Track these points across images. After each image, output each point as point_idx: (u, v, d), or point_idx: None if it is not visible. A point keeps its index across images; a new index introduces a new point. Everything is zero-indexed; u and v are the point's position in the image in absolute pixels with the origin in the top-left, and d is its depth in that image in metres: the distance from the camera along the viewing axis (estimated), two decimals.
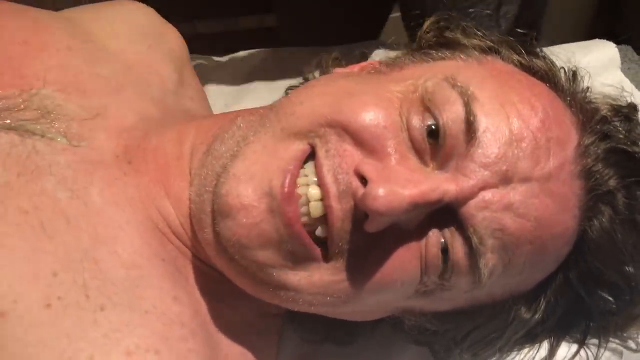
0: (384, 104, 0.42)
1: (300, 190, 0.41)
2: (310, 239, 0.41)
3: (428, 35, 0.52)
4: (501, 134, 0.41)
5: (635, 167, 0.46)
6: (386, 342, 0.56)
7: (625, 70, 0.76)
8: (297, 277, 0.42)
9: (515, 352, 0.51)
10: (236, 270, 0.43)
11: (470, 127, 0.41)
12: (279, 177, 0.40)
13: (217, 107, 0.74)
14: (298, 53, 0.83)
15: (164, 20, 0.63)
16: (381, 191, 0.38)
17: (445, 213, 0.41)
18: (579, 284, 0.47)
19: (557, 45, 0.81)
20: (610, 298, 0.50)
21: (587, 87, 0.51)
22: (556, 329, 0.50)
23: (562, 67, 0.51)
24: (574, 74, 0.52)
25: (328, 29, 0.84)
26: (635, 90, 0.71)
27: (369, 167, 0.39)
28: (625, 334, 0.51)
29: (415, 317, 0.49)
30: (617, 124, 0.47)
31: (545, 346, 0.51)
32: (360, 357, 0.56)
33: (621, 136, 0.46)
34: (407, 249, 0.41)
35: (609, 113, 0.48)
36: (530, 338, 0.50)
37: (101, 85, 0.51)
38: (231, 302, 0.48)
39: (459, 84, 0.42)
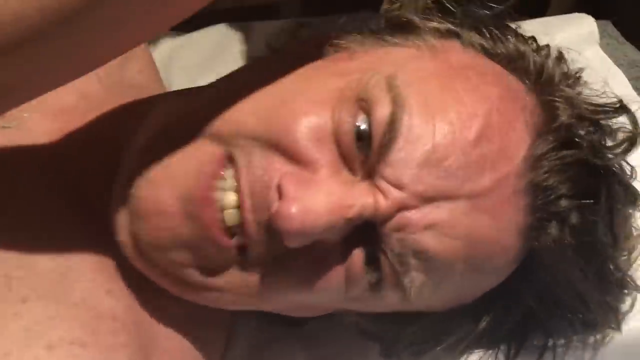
0: (316, 109, 0.38)
1: (216, 195, 0.38)
2: (228, 242, 0.38)
3: (388, 14, 0.48)
4: (419, 153, 0.37)
5: (594, 185, 0.41)
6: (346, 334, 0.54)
7: (604, 46, 0.74)
8: (218, 280, 0.40)
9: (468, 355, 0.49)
10: (156, 272, 0.41)
11: (389, 139, 0.37)
12: (195, 180, 0.38)
13: (184, 84, 0.71)
14: (267, 26, 0.80)
15: None
16: (293, 210, 0.35)
17: (370, 227, 0.38)
18: (530, 298, 0.44)
19: (536, 19, 0.79)
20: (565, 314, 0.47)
21: (572, 75, 0.46)
22: (510, 338, 0.48)
23: (544, 47, 0.47)
24: (560, 53, 0.47)
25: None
26: (613, 67, 0.70)
27: (288, 182, 0.36)
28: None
29: (354, 317, 0.47)
30: (582, 131, 0.42)
31: (502, 353, 0.48)
32: (318, 348, 0.54)
33: (584, 146, 0.41)
34: (329, 263, 0.39)
35: (572, 119, 0.42)
36: (482, 344, 0.48)
37: None
38: (172, 295, 0.45)
39: (396, 85, 0.38)
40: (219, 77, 0.46)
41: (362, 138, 0.38)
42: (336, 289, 0.40)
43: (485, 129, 0.38)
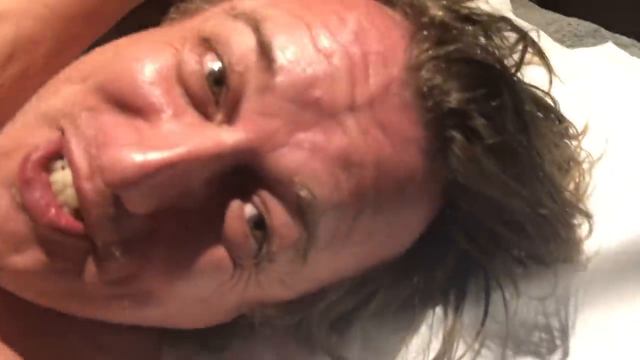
0: (153, 53, 0.34)
1: (52, 177, 0.33)
2: (69, 221, 0.32)
3: None
4: (306, 52, 0.32)
5: (488, 77, 0.35)
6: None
7: (519, 15, 0.71)
8: (74, 279, 0.33)
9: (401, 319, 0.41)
10: (14, 285, 0.35)
11: (265, 54, 0.32)
12: (22, 162, 0.32)
13: None
14: None
15: None
16: (118, 155, 0.30)
17: (247, 177, 0.32)
18: (461, 238, 0.38)
19: None
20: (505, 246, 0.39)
21: None
22: (447, 290, 0.40)
23: None
24: None
25: None
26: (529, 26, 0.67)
27: (118, 130, 0.32)
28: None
29: (259, 311, 0.39)
30: (462, 26, 0.36)
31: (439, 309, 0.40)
32: None
33: (467, 41, 0.36)
34: (199, 231, 0.33)
35: (445, 14, 0.36)
36: (414, 303, 0.40)
37: None
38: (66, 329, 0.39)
39: (241, 10, 0.34)
40: None
41: (218, 80, 0.32)
42: (213, 263, 0.33)
43: (360, 32, 0.34)
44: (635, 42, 0.62)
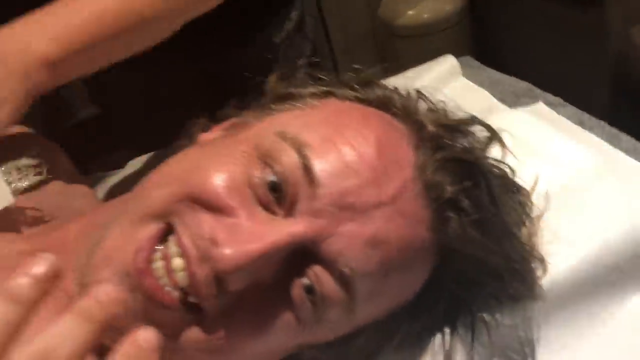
0: (227, 167, 0.46)
1: (155, 265, 0.43)
2: (175, 301, 0.43)
3: (272, 91, 0.57)
4: (338, 170, 0.45)
5: (470, 172, 0.50)
6: None
7: (467, 76, 0.85)
8: (177, 341, 0.44)
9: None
10: None
11: (307, 172, 0.44)
12: (133, 257, 0.43)
13: None
14: None
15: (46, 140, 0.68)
16: (228, 251, 0.41)
17: (303, 256, 0.44)
18: (452, 284, 0.51)
19: (410, 69, 0.90)
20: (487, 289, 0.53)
21: (420, 99, 0.56)
22: (444, 324, 0.54)
23: (406, 91, 0.57)
24: (418, 92, 0.58)
25: None
26: (476, 87, 0.81)
27: (218, 230, 0.43)
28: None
29: (308, 350, 0.52)
30: (449, 135, 0.52)
31: (438, 341, 0.53)
32: None
33: (454, 146, 0.51)
34: (273, 299, 0.45)
35: (437, 128, 0.52)
36: (422, 337, 0.54)
37: None
38: None
39: (289, 135, 0.46)
40: None
41: (276, 189, 0.45)
42: (284, 323, 0.45)
43: (379, 147, 0.47)
44: (561, 100, 0.76)
